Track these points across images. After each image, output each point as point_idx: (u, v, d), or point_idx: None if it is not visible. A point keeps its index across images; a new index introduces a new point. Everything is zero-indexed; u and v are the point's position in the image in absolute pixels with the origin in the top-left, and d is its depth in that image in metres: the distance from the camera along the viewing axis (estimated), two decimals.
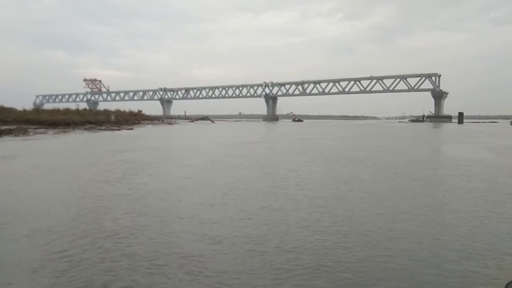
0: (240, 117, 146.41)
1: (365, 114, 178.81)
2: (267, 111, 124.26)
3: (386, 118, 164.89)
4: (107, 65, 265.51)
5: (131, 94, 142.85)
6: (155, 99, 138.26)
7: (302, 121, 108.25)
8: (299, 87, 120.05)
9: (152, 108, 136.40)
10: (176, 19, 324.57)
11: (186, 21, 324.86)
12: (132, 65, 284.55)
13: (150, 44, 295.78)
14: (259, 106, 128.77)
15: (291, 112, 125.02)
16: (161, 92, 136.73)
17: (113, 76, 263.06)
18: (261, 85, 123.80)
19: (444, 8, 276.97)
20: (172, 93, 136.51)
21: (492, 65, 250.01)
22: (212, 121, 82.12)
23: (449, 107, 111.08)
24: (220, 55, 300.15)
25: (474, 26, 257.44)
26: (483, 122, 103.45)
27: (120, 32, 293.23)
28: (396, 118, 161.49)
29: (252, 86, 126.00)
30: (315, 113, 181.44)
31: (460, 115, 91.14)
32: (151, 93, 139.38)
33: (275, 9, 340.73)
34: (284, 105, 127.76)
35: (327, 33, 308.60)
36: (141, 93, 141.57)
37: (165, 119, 77.53)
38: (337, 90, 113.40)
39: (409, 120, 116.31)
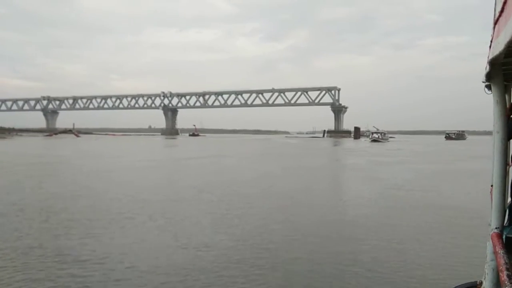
0: (139, 131, 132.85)
1: (278, 129, 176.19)
2: (166, 124, 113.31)
3: (297, 133, 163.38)
4: (15, 73, 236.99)
5: (9, 103, 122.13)
6: (37, 109, 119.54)
7: (198, 135, 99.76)
8: (201, 98, 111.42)
9: (35, 119, 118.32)
10: (94, 29, 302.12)
11: (105, 32, 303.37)
12: (44, 75, 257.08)
13: (65, 54, 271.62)
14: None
15: (194, 125, 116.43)
16: (44, 102, 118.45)
17: (21, 86, 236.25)
18: (159, 96, 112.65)
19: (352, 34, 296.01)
20: (57, 102, 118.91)
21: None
22: (77, 135, 69.02)
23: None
24: (142, 67, 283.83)
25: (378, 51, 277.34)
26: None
27: (32, 39, 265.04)
28: (307, 133, 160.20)
29: (149, 96, 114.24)
30: (230, 127, 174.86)
31: (356, 130, 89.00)
32: (33, 102, 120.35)
33: (199, 27, 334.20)
34: (205, 119, 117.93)
35: (250, 52, 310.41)
36: (21, 103, 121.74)
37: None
38: (239, 103, 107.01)
39: (309, 136, 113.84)
